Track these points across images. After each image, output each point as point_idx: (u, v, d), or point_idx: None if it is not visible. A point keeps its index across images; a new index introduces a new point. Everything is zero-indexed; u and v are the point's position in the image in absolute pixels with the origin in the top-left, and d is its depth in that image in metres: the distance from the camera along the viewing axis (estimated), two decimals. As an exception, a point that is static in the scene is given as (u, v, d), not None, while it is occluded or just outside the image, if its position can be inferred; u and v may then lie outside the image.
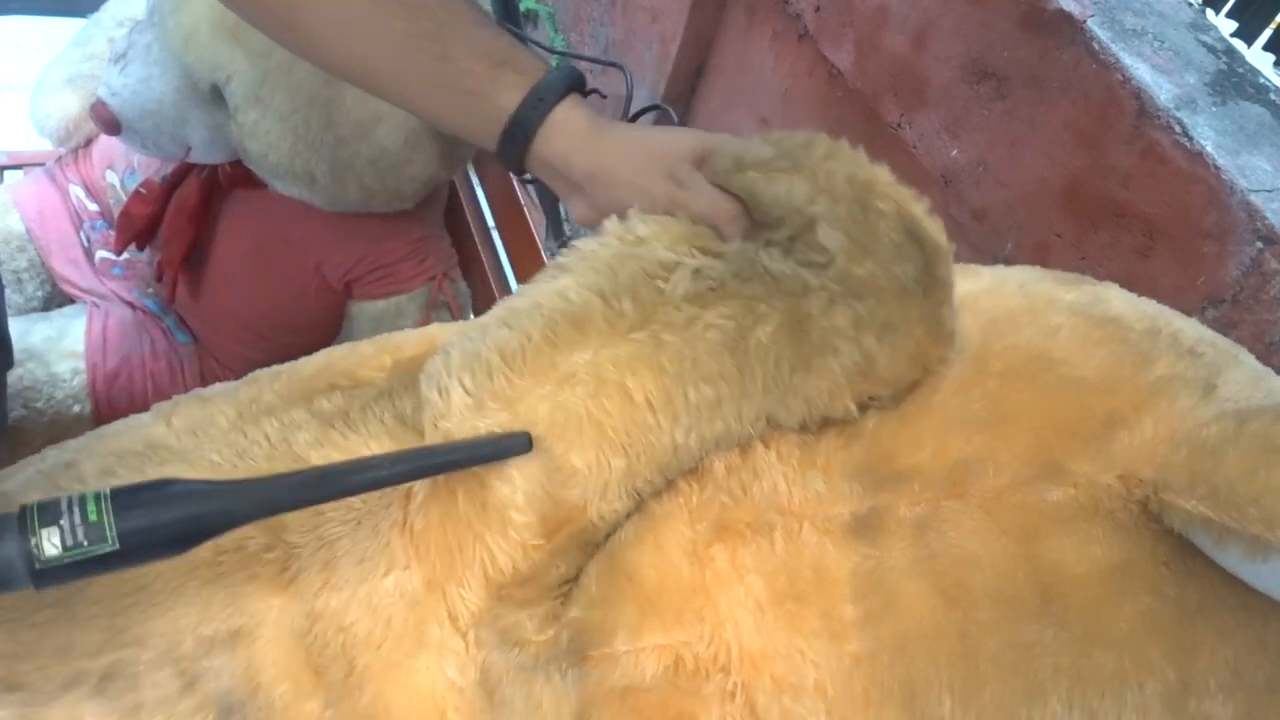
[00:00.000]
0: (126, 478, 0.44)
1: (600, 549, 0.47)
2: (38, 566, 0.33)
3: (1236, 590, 0.40)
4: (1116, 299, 0.50)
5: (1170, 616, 0.40)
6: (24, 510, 0.34)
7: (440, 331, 0.56)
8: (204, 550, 0.41)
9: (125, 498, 0.35)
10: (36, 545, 0.33)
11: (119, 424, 0.51)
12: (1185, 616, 0.40)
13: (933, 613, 0.42)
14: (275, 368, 0.54)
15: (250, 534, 0.44)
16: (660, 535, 0.46)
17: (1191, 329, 0.48)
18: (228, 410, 0.50)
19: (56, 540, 0.33)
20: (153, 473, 0.46)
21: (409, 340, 0.55)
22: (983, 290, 0.51)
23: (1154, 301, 0.51)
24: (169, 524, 0.36)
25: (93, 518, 0.34)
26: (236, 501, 0.38)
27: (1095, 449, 0.43)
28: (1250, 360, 0.47)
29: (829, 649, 0.42)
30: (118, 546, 0.34)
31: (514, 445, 0.43)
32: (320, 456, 0.47)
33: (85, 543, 0.34)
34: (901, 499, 0.44)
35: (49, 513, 0.34)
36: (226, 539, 0.42)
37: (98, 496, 0.35)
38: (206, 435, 0.49)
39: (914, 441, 0.45)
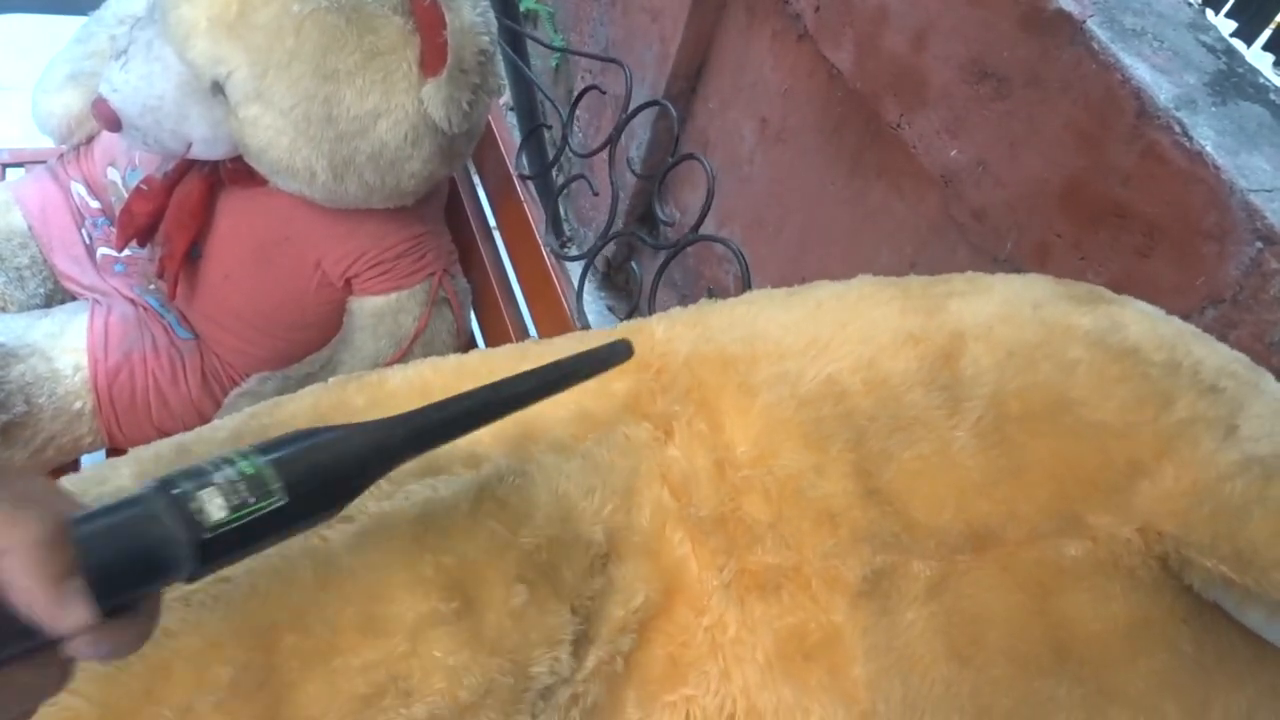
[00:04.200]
0: None
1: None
2: (205, 536, 0.27)
3: (1253, 642, 0.40)
4: (1134, 322, 0.48)
5: (1187, 671, 0.40)
6: (167, 479, 0.27)
7: (434, 375, 0.54)
8: None
9: (273, 449, 0.30)
10: (198, 510, 0.27)
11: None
12: (1202, 670, 0.40)
13: (944, 672, 0.41)
14: (261, 416, 0.52)
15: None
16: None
17: (1212, 357, 0.46)
18: None
19: (220, 501, 0.27)
20: None
21: (395, 383, 0.53)
22: (996, 317, 0.49)
23: (1174, 321, 0.50)
24: (330, 467, 0.31)
25: (249, 470, 0.28)
26: (388, 436, 0.34)
27: (1115, 500, 0.42)
28: (1272, 387, 0.46)
29: (837, 707, 0.42)
30: (287, 499, 0.29)
31: (619, 352, 0.44)
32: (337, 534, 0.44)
33: (252, 500, 0.28)
34: (916, 557, 0.44)
35: (197, 476, 0.28)
36: None
37: (242, 453, 0.29)
38: None
39: (935, 501, 0.44)
